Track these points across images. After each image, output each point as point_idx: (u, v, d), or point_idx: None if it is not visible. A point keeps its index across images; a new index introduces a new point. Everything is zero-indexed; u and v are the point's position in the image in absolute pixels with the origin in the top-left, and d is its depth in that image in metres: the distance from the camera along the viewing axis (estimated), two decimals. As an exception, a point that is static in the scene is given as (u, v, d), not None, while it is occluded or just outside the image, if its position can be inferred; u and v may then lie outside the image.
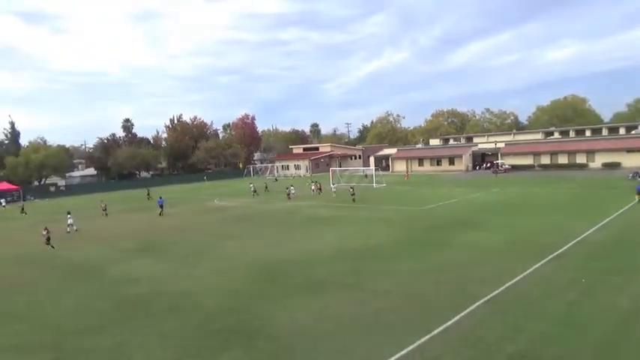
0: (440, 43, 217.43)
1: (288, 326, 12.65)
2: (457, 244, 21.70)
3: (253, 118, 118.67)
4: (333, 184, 45.68)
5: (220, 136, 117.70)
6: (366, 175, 67.84)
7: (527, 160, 73.05)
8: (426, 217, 30.36)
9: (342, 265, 18.98)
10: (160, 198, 41.61)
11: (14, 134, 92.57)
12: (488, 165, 77.20)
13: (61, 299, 16.75)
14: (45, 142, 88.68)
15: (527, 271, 16.30)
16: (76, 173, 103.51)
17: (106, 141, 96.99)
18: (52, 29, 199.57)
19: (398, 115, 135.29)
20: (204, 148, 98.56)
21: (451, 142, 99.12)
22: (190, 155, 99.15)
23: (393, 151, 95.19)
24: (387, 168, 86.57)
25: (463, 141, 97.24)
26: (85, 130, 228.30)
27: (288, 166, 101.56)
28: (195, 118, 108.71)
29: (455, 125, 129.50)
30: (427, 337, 11.31)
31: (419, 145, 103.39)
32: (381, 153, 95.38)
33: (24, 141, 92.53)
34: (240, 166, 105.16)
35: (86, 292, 17.53)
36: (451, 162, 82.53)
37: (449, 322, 12.09)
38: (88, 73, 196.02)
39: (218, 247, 24.36)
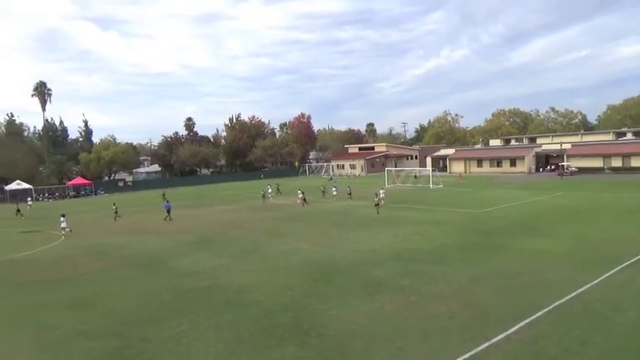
0: (502, 39, 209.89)
1: (341, 326, 12.67)
2: (517, 249, 20.87)
3: (309, 117, 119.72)
4: (382, 191, 40.96)
5: (277, 134, 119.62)
6: (415, 176, 66.47)
7: (596, 163, 68.92)
8: (485, 221, 29.41)
9: (397, 267, 18.77)
10: (167, 202, 39.88)
11: (87, 132, 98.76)
12: (553, 167, 73.57)
13: (126, 289, 17.68)
14: (114, 139, 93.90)
15: (595, 281, 15.39)
16: (142, 169, 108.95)
17: (169, 139, 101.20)
18: (121, 33, 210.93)
19: (456, 115, 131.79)
20: (261, 146, 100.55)
21: (513, 142, 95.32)
22: (248, 153, 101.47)
23: (450, 151, 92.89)
24: (444, 169, 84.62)
25: (526, 141, 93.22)
26: (151, 128, 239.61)
27: (343, 165, 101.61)
28: (253, 117, 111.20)
29: (517, 125, 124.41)
30: (485, 345, 10.96)
31: (478, 146, 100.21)
32: (438, 153, 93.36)
33: (96, 138, 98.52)
34: (296, 164, 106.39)
35: (149, 283, 18.41)
36: (512, 163, 79.37)
37: (508, 331, 11.64)
38: (154, 74, 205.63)
39: (273, 245, 24.80)
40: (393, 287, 16.00)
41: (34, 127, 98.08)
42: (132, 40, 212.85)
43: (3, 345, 12.58)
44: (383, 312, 13.62)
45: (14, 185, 68.23)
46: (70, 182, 76.08)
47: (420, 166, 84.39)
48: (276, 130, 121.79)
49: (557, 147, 75.64)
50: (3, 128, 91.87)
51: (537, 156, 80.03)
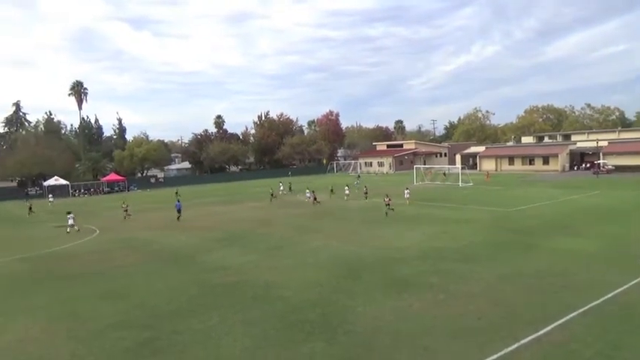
0: (535, 34, 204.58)
1: (369, 323, 12.66)
2: (549, 248, 20.38)
3: (337, 115, 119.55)
4: (407, 191, 39.17)
5: (305, 132, 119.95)
6: (445, 174, 65.42)
7: (635, 161, 66.43)
8: (516, 219, 28.80)
9: (425, 265, 18.60)
10: (178, 201, 38.20)
11: (121, 130, 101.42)
12: (588, 165, 71.34)
13: (157, 283, 18.10)
14: (147, 137, 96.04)
15: (630, 283, 14.88)
16: (173, 166, 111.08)
17: (199, 136, 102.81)
18: (154, 33, 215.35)
19: (487, 112, 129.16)
20: (289, 144, 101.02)
21: (546, 139, 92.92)
22: (276, 151, 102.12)
23: (481, 148, 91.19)
24: (474, 166, 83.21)
25: (559, 139, 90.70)
26: (182, 125, 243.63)
27: (371, 162, 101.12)
28: (281, 114, 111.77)
29: (550, 122, 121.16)
30: (515, 345, 10.76)
31: (510, 143, 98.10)
32: (468, 151, 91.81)
33: (129, 136, 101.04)
34: (324, 162, 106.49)
35: (179, 277, 18.79)
36: (545, 161, 77.38)
37: (539, 332, 11.39)
38: (185, 73, 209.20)
39: (301, 241, 24.92)
40: (421, 285, 15.87)
41: (71, 125, 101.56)
42: (164, 39, 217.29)
43: (41, 335, 13.08)
44: (410, 310, 13.53)
45: (52, 181, 70.67)
46: (104, 178, 78.26)
47: (450, 164, 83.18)
48: (304, 128, 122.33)
49: (593, 144, 73.29)
50: (42, 126, 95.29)
51: (572, 154, 77.80)
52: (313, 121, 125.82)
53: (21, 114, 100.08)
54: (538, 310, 12.92)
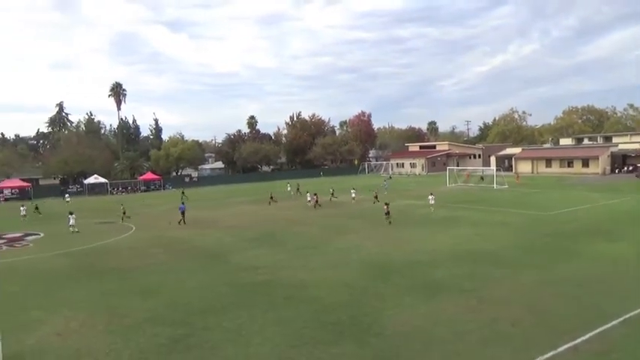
0: (575, 33, 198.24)
1: (399, 326, 12.54)
2: (588, 254, 19.70)
3: (369, 116, 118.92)
4: (432, 197, 35.74)
5: (337, 133, 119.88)
6: (482, 177, 63.80)
7: (682, 164, 63.44)
8: (552, 223, 27.96)
9: (458, 268, 18.29)
10: (182, 204, 37.21)
11: (157, 130, 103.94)
12: (631, 168, 68.51)
13: (190, 280, 18.45)
14: (182, 137, 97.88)
15: (677, 292, 14.23)
16: (206, 166, 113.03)
17: (232, 136, 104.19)
18: (191, 35, 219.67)
19: (524, 113, 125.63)
20: (321, 144, 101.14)
21: (585, 141, 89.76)
22: (308, 151, 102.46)
23: (516, 150, 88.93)
24: (509, 169, 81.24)
25: (600, 140, 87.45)
26: (216, 126, 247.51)
27: (403, 164, 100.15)
28: (313, 115, 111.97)
29: (590, 123, 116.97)
30: (550, 353, 10.44)
31: (547, 145, 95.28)
32: (503, 152, 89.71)
33: (165, 136, 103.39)
34: (356, 163, 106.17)
35: (211, 275, 19.10)
36: (585, 164, 74.78)
37: (577, 340, 11.02)
38: (219, 74, 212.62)
39: (332, 242, 24.92)
40: (453, 289, 15.61)
41: (110, 125, 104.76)
42: (200, 41, 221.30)
43: (80, 328, 13.53)
44: (442, 314, 13.32)
45: (92, 179, 73.16)
46: (141, 177, 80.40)
47: (484, 166, 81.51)
48: (336, 129, 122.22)
49: (636, 146, 70.36)
50: (83, 126, 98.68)
51: (613, 156, 74.89)
52: (345, 122, 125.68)
53: (64, 114, 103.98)
54: (575, 318, 12.51)
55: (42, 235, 32.14)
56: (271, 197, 46.40)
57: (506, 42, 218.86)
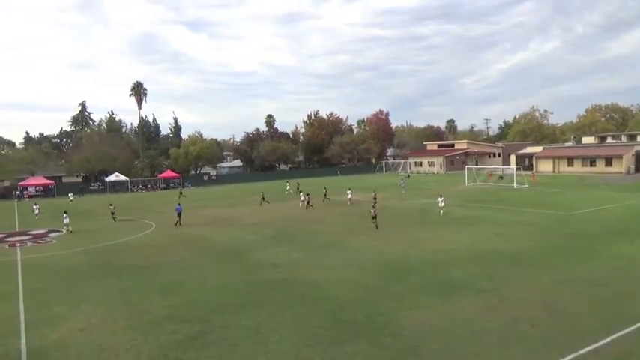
0: (598, 29, 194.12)
1: (415, 326, 12.49)
2: (610, 255, 19.32)
3: (387, 114, 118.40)
4: (441, 199, 32.76)
5: (354, 131, 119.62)
6: (501, 177, 62.88)
7: None
8: (574, 224, 27.48)
9: (476, 268, 18.12)
10: (179, 205, 35.37)
11: (177, 128, 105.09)
12: (657, 167, 66.93)
13: (209, 278, 18.66)
14: (201, 135, 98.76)
15: None
16: (225, 164, 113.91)
17: (251, 135, 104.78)
18: (210, 35, 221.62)
19: (545, 111, 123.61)
20: (338, 143, 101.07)
21: (609, 140, 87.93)
22: (325, 150, 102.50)
23: (537, 149, 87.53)
24: (530, 168, 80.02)
25: (624, 139, 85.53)
26: (234, 124, 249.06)
27: (421, 162, 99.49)
28: (331, 114, 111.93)
29: (614, 122, 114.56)
30: (570, 356, 10.28)
31: (569, 144, 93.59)
32: (523, 151, 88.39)
33: (184, 134, 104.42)
34: (373, 161, 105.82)
35: (230, 273, 19.29)
36: (608, 163, 73.25)
37: (598, 343, 10.83)
38: (238, 73, 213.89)
39: (349, 241, 24.92)
40: (471, 289, 15.48)
41: (131, 124, 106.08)
42: (220, 41, 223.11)
43: (101, 324, 13.81)
44: (459, 314, 13.22)
45: (113, 177, 74.48)
46: (160, 175, 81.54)
47: (504, 165, 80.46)
48: (353, 127, 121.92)
49: (662, 145, 68.66)
50: (105, 125, 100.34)
51: (638, 155, 73.21)
52: (363, 121, 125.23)
53: (86, 113, 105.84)
54: (597, 320, 12.30)
55: (64, 231, 32.80)
56: (263, 198, 44.86)
57: (528, 39, 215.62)
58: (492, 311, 13.33)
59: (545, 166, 79.60)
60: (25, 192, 67.09)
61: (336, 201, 43.39)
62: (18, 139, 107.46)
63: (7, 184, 76.07)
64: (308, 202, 39.64)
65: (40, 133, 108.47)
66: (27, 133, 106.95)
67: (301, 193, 41.94)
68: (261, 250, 23.73)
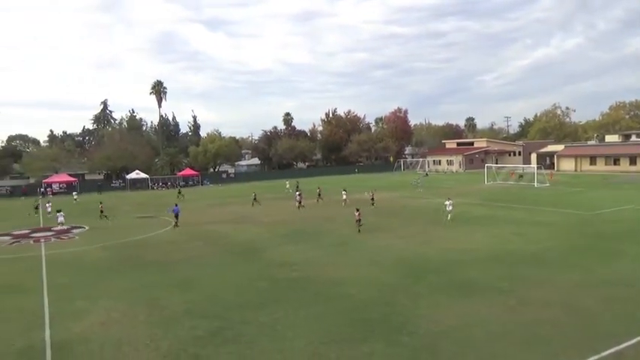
0: (622, 25, 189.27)
1: (432, 325, 12.42)
2: (634, 256, 18.90)
3: (406, 112, 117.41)
4: (449, 202, 30.17)
5: (372, 129, 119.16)
6: (521, 175, 61.89)
7: None
8: (596, 223, 26.95)
9: (495, 268, 17.92)
10: (176, 205, 34.04)
11: (196, 126, 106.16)
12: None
13: (227, 275, 18.84)
14: (220, 133, 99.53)
15: None
16: (243, 162, 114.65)
17: (268, 133, 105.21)
18: (227, 33, 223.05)
19: (567, 108, 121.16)
20: (356, 141, 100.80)
21: (633, 138, 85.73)
22: (343, 148, 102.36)
23: (559, 147, 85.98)
24: (551, 166, 78.70)
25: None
26: (252, 122, 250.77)
27: (439, 161, 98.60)
28: (349, 112, 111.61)
29: (639, 119, 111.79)
30: (593, 358, 10.11)
31: (592, 142, 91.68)
32: (544, 150, 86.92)
33: (203, 133, 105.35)
34: (391, 160, 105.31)
35: (247, 270, 19.44)
36: (632, 161, 71.60)
37: (621, 346, 10.62)
38: (256, 72, 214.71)
39: (366, 239, 24.86)
40: (490, 289, 15.32)
41: (151, 122, 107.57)
42: (237, 39, 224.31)
43: (122, 319, 14.07)
44: (478, 315, 13.10)
45: (134, 175, 75.63)
46: (180, 173, 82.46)
47: (524, 163, 79.30)
48: (371, 125, 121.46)
49: (690, 144, 66.81)
50: (125, 123, 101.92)
51: (664, 153, 71.40)
52: (381, 119, 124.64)
53: (107, 112, 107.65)
54: (620, 322, 12.05)
55: (87, 228, 33.48)
56: (255, 198, 43.56)
57: (549, 35, 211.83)
58: (512, 312, 13.17)
59: (567, 165, 78.19)
60: (48, 189, 68.56)
61: (335, 200, 43.23)
62: (42, 137, 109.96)
63: (32, 180, 78.00)
64: (300, 202, 39.14)
65: (63, 131, 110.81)
66: (51, 131, 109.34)
67: (297, 193, 41.43)
68: (277, 247, 23.85)
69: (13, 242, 28.79)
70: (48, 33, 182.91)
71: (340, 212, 36.17)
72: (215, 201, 49.11)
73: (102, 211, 37.00)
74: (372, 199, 39.15)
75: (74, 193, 59.92)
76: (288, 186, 55.20)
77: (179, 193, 56.10)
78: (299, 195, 40.15)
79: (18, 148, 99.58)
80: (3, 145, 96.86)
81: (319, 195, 43.63)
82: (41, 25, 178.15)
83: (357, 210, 28.13)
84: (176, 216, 32.34)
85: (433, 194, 45.40)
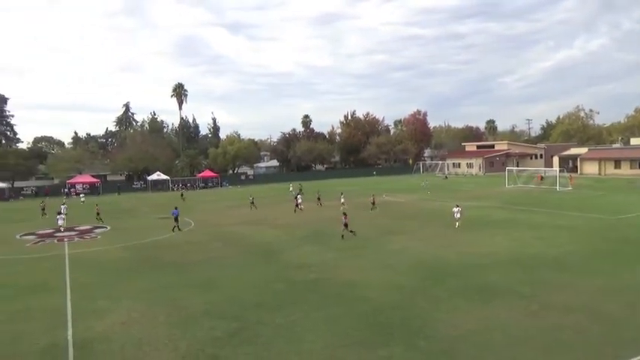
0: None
1: (451, 330, 12.29)
2: (662, 262, 18.41)
3: (425, 115, 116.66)
4: (457, 209, 28.66)
5: (391, 132, 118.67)
6: (541, 177, 60.78)
7: None
8: (620, 228, 26.33)
9: (516, 272, 17.65)
10: (176, 208, 32.99)
11: (215, 129, 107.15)
12: None
13: (245, 276, 18.95)
14: (239, 135, 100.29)
15: None
16: (262, 164, 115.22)
17: (287, 135, 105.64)
18: (248, 37, 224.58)
19: (591, 111, 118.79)
20: (375, 143, 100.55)
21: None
22: (362, 150, 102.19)
23: (582, 150, 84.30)
24: (573, 169, 77.22)
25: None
26: (271, 124, 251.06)
27: (459, 164, 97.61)
28: (367, 114, 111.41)
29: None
30: (616, 366, 9.89)
31: (616, 145, 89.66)
32: (567, 153, 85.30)
33: (222, 135, 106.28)
34: (410, 162, 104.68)
35: (265, 271, 19.53)
36: (659, 165, 69.78)
37: (646, 354, 10.37)
38: (275, 74, 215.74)
39: (384, 242, 24.75)
40: (511, 294, 15.09)
41: (172, 124, 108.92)
42: (257, 42, 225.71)
43: (141, 318, 14.27)
44: (498, 320, 12.91)
45: (155, 176, 76.75)
46: (199, 174, 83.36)
47: (546, 166, 77.97)
48: (390, 127, 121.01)
49: None
50: (147, 125, 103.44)
51: (692, 157, 69.42)
52: (400, 121, 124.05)
53: (130, 114, 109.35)
54: (645, 330, 11.75)
55: (108, 228, 34.08)
56: (252, 202, 42.78)
57: (573, 36, 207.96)
58: (533, 317, 12.95)
59: (590, 168, 76.58)
60: (72, 189, 70.01)
61: (355, 203, 43.06)
62: (67, 139, 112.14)
63: (56, 181, 79.75)
64: (297, 205, 38.94)
65: (87, 133, 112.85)
66: (75, 132, 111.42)
67: (298, 196, 41.18)
68: (294, 249, 23.91)
69: (38, 241, 29.48)
70: (73, 38, 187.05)
71: (357, 214, 36.02)
72: (234, 202, 49.47)
73: (98, 213, 37.66)
74: (373, 203, 38.71)
75: (81, 195, 61.21)
76: (291, 189, 55.24)
77: (182, 195, 56.46)
78: (295, 197, 40.02)
79: (43, 150, 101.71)
80: (29, 146, 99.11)
81: (319, 199, 42.93)
82: (67, 30, 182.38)
83: (344, 214, 27.09)
84: (175, 219, 31.42)
85: (452, 198, 44.90)
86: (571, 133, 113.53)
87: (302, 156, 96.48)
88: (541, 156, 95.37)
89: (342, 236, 25.84)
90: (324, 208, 40.45)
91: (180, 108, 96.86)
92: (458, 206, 29.09)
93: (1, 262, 23.47)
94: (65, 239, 29.61)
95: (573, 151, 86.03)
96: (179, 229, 30.90)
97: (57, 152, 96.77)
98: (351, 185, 67.43)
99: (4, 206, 57.21)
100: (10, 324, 14.15)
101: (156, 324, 13.67)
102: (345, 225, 26.14)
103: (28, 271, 21.36)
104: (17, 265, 22.84)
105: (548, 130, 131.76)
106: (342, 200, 39.97)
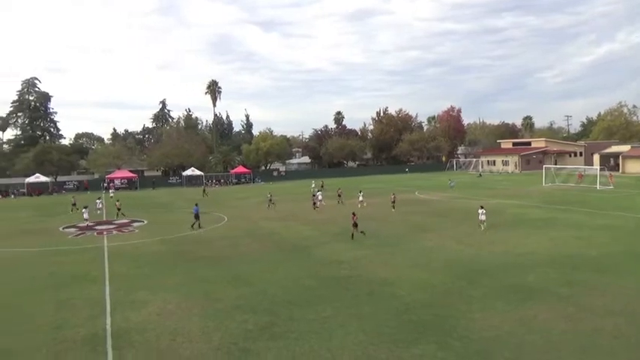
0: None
1: (485, 331, 12.08)
2: None
3: (459, 111, 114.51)
4: (482, 211, 26.87)
5: (424, 128, 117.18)
6: (581, 175, 58.73)
7: None
8: (668, 230, 25.23)
9: (553, 273, 17.17)
10: (196, 205, 32.09)
11: (248, 125, 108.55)
12: None
13: (277, 271, 19.14)
14: (271, 132, 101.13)
15: None
16: (294, 160, 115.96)
17: (319, 132, 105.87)
18: (282, 34, 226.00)
19: (634, 107, 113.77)
20: (407, 140, 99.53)
21: None
22: (394, 147, 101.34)
23: (625, 148, 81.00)
24: (615, 168, 74.35)
25: None
26: (303, 121, 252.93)
27: (494, 161, 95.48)
28: (400, 110, 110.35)
29: None
30: (659, 372, 9.51)
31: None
32: (608, 150, 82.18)
33: (255, 131, 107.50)
34: (443, 159, 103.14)
35: (296, 267, 19.66)
36: None
37: (692, 361, 9.93)
38: (308, 71, 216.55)
39: (416, 240, 24.52)
40: (548, 295, 14.70)
41: (206, 120, 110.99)
42: (291, 40, 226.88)
43: (177, 310, 14.63)
44: (535, 321, 12.60)
45: (189, 172, 78.37)
46: (232, 171, 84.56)
47: (586, 165, 75.37)
48: (423, 124, 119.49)
49: None
50: (182, 122, 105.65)
51: None
52: (433, 117, 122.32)
53: (166, 111, 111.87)
54: (692, 336, 11.24)
55: (145, 222, 35.04)
56: (270, 200, 41.66)
57: (615, 29, 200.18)
58: (570, 320, 12.59)
59: (633, 167, 73.53)
60: (111, 184, 72.35)
61: (380, 202, 42.69)
62: (106, 135, 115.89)
63: (95, 176, 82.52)
64: (314, 203, 38.71)
65: (125, 130, 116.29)
66: (114, 129, 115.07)
67: (319, 192, 40.71)
68: (326, 245, 23.96)
69: (79, 234, 30.61)
70: (113, 37, 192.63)
71: (390, 212, 35.84)
72: (265, 198, 49.87)
73: (119, 209, 38.56)
74: (393, 202, 37.25)
75: (111, 191, 62.85)
76: (313, 185, 55.30)
77: (204, 191, 57.19)
78: (313, 195, 39.60)
79: (84, 146, 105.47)
80: (71, 142, 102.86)
81: (339, 196, 42.47)
82: (108, 30, 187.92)
83: (354, 214, 26.19)
84: (196, 217, 30.81)
85: (486, 195, 44.02)
86: (613, 130, 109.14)
87: (334, 152, 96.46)
88: (581, 154, 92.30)
89: (352, 236, 25.11)
90: (347, 206, 40.21)
91: (214, 105, 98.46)
92: (482, 207, 27.49)
93: (47, 253, 24.51)
94: (104, 232, 30.63)
95: (615, 148, 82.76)
96: (200, 227, 30.52)
97: (97, 148, 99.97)
98: (382, 182, 67.00)
99: (48, 200, 59.61)
100: (56, 312, 14.77)
101: (190, 316, 13.99)
102: (355, 225, 25.33)
103: (70, 262, 22.20)
104: (61, 255, 23.78)
105: (588, 126, 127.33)
106: (361, 199, 39.28)
